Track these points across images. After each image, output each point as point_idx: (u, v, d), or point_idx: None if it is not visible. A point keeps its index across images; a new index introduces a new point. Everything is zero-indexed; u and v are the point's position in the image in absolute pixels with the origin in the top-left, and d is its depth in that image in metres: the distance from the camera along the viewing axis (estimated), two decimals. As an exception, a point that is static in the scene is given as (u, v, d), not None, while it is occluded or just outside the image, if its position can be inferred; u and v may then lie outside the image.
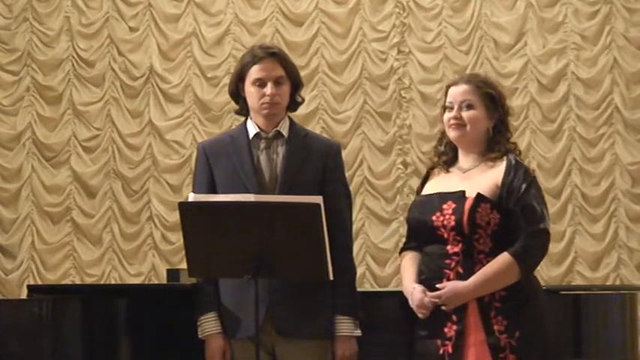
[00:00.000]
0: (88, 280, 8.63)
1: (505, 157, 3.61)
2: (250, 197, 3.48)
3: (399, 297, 3.89)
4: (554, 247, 8.20)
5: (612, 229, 8.29)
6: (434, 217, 3.58)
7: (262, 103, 3.74)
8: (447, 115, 3.69)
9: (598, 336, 4.67)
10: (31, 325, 4.07)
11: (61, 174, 8.84)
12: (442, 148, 3.77)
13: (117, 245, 8.72)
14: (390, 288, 8.07)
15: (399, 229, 8.43)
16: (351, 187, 7.95)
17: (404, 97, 8.59)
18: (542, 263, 8.34)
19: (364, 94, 8.65)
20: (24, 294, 6.73)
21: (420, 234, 3.67)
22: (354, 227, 8.04)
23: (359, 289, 3.88)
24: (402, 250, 3.82)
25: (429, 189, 3.71)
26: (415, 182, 8.46)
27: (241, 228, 3.38)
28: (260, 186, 3.69)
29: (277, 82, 3.75)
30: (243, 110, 3.83)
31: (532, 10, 8.50)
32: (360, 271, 7.98)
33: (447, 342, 3.52)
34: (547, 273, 8.12)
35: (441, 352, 3.52)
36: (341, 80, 8.63)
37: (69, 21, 8.93)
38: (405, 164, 8.54)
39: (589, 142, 8.36)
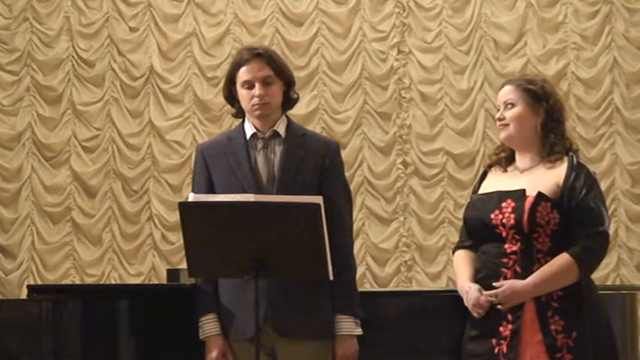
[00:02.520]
0: (88, 280, 8.63)
1: (566, 158, 3.61)
2: (250, 197, 3.48)
3: (399, 297, 3.87)
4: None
5: (612, 229, 8.28)
6: (492, 215, 3.56)
7: (253, 105, 3.71)
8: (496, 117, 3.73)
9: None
10: (31, 325, 4.06)
11: (61, 174, 8.84)
12: (501, 148, 3.75)
13: (117, 245, 8.72)
14: (390, 288, 8.08)
15: (399, 229, 8.44)
16: (351, 187, 7.94)
17: (404, 97, 8.59)
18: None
19: (364, 94, 8.65)
20: (24, 294, 6.73)
21: (478, 232, 3.64)
22: (354, 227, 8.08)
23: (358, 289, 3.87)
24: (456, 248, 3.77)
25: (487, 188, 3.70)
26: (415, 182, 8.47)
27: (241, 228, 3.38)
28: (258, 186, 3.67)
29: (265, 82, 3.71)
30: (240, 113, 3.82)
31: (532, 10, 8.50)
32: (360, 271, 7.98)
33: (502, 341, 3.50)
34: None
35: (496, 351, 3.51)
36: (341, 80, 8.63)
37: (69, 21, 8.94)
38: (405, 164, 8.54)
39: (589, 142, 8.36)
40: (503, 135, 3.68)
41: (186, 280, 4.30)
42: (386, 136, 8.59)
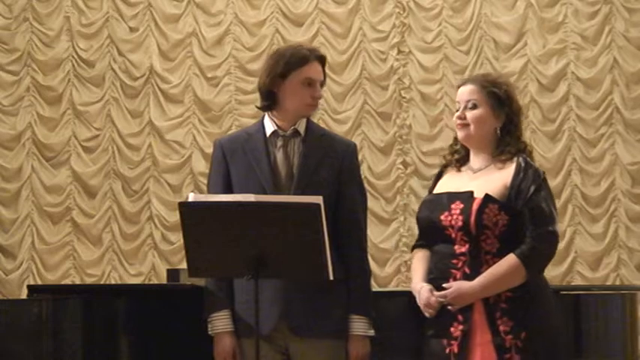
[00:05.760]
0: (88, 280, 8.63)
1: (515, 159, 3.60)
2: (250, 197, 3.47)
3: (400, 297, 3.87)
4: (554, 247, 8.21)
5: (612, 229, 8.29)
6: (442, 217, 3.57)
7: (308, 104, 3.73)
8: (455, 115, 3.71)
9: (598, 336, 4.67)
10: (31, 325, 4.07)
11: (61, 174, 8.84)
12: (456, 147, 3.75)
13: (117, 245, 8.72)
14: (390, 288, 8.08)
15: (399, 229, 8.44)
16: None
17: (404, 97, 8.59)
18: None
19: (364, 94, 8.65)
20: (24, 294, 6.73)
21: (429, 233, 3.66)
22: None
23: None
24: (413, 247, 3.79)
25: (440, 188, 3.71)
26: (415, 182, 8.47)
27: (241, 228, 3.38)
28: (276, 184, 3.68)
29: (321, 85, 3.76)
30: (270, 105, 3.76)
31: (532, 10, 8.50)
32: (360, 271, 7.97)
33: (453, 342, 3.51)
34: (547, 273, 8.06)
35: (447, 351, 3.51)
36: (341, 80, 8.63)
37: (69, 21, 8.93)
38: (405, 164, 8.54)
39: (589, 142, 8.36)
40: (461, 134, 3.66)
41: (186, 280, 4.30)
42: (386, 136, 8.59)
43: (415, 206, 8.43)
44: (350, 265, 3.63)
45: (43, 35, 8.95)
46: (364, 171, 8.51)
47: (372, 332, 3.72)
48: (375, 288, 8.07)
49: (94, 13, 8.93)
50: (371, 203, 8.45)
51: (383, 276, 8.37)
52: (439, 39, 8.60)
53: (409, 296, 3.68)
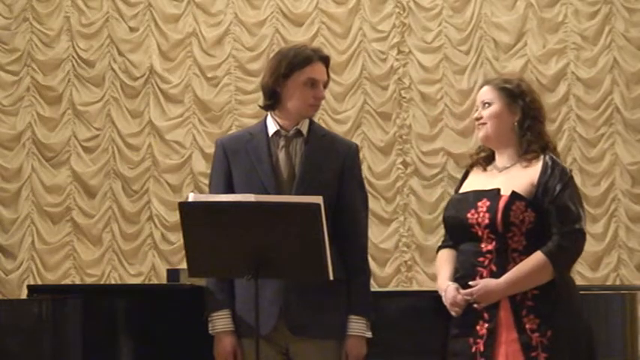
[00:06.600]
0: (88, 280, 8.63)
1: (542, 157, 3.61)
2: (250, 197, 3.47)
3: (400, 297, 3.87)
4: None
5: (612, 229, 8.29)
6: (469, 215, 3.58)
7: (310, 105, 3.73)
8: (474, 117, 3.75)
9: (598, 336, 4.67)
10: (31, 325, 4.07)
11: (61, 174, 8.84)
12: (482, 147, 3.77)
13: (117, 245, 8.72)
14: (390, 288, 8.08)
15: (399, 229, 8.44)
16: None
17: (404, 97, 8.59)
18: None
19: (364, 94, 8.65)
20: (24, 294, 6.73)
21: (456, 232, 3.67)
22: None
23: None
24: (439, 248, 3.79)
25: (466, 187, 3.72)
26: (415, 182, 8.47)
27: (241, 228, 3.38)
28: (278, 184, 3.68)
29: (324, 86, 3.77)
30: (273, 105, 3.76)
31: (532, 10, 8.50)
32: (360, 271, 7.97)
33: (479, 340, 3.52)
34: (547, 273, 8.11)
35: (473, 350, 3.52)
36: (341, 80, 8.63)
37: (69, 21, 8.93)
38: (405, 164, 8.53)
39: (589, 142, 8.36)
40: (481, 134, 3.69)
41: (186, 280, 4.31)
42: (386, 136, 8.59)
43: (415, 206, 8.44)
44: (350, 265, 3.63)
45: (43, 35, 8.95)
46: (364, 171, 8.50)
47: (369, 334, 3.71)
48: (374, 288, 8.08)
49: (94, 13, 8.93)
50: (371, 203, 8.37)
51: (383, 276, 8.37)
52: (439, 39, 8.60)
53: (435, 295, 3.69)
